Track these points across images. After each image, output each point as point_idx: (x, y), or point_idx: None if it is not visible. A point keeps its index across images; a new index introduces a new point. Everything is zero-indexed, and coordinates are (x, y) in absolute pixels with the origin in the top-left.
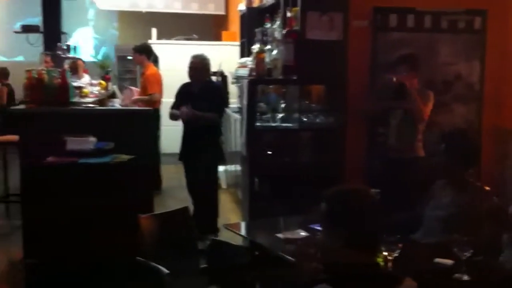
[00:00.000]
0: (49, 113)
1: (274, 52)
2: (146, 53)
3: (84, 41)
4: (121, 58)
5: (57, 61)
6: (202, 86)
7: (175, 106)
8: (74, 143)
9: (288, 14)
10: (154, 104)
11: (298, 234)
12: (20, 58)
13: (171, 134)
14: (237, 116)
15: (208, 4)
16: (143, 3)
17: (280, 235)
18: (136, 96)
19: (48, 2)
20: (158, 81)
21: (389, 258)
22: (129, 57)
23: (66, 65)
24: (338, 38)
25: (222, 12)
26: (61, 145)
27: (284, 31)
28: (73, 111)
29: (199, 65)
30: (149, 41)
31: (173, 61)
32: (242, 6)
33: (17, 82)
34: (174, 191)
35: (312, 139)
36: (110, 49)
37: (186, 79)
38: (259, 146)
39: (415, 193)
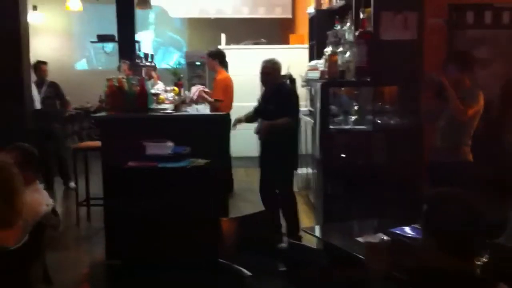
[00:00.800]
0: (129, 119)
1: (347, 54)
2: (219, 58)
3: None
4: (190, 64)
5: (135, 69)
6: (274, 90)
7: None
8: (153, 148)
9: (361, 15)
10: (217, 109)
11: (379, 238)
12: (83, 66)
13: (240, 138)
14: (308, 119)
15: (275, 8)
16: (212, 10)
17: (360, 239)
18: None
19: (122, 12)
20: (226, 86)
21: (479, 263)
22: (197, 63)
23: (153, 74)
24: (413, 38)
25: (289, 16)
26: (141, 150)
27: (356, 33)
28: (151, 117)
29: (270, 70)
30: (219, 47)
31: (242, 66)
32: (311, 9)
33: (95, 89)
34: (245, 194)
35: (386, 140)
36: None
37: (254, 83)
38: (332, 149)
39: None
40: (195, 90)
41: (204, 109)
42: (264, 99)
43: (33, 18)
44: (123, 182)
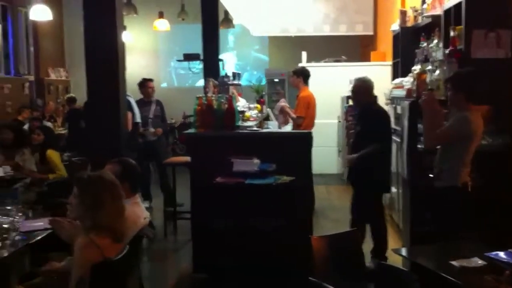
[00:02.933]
0: (217, 136)
1: (436, 72)
2: (303, 76)
3: (231, 66)
4: (270, 81)
5: (222, 87)
6: (364, 109)
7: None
8: (240, 164)
9: (451, 33)
10: (299, 126)
11: (475, 263)
12: (168, 83)
13: (320, 155)
14: (393, 137)
15: (356, 25)
16: (293, 28)
17: (454, 263)
18: (287, 108)
19: (207, 31)
20: (309, 104)
21: None
22: (276, 80)
23: (235, 92)
24: (506, 56)
25: (370, 33)
26: (228, 166)
27: (446, 51)
28: (239, 134)
29: (359, 88)
30: (300, 64)
31: (323, 83)
32: (395, 26)
33: (179, 106)
34: (327, 211)
35: (476, 160)
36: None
37: (335, 101)
38: (420, 169)
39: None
40: (280, 105)
41: (285, 126)
42: (356, 119)
43: (123, 38)
44: (210, 197)
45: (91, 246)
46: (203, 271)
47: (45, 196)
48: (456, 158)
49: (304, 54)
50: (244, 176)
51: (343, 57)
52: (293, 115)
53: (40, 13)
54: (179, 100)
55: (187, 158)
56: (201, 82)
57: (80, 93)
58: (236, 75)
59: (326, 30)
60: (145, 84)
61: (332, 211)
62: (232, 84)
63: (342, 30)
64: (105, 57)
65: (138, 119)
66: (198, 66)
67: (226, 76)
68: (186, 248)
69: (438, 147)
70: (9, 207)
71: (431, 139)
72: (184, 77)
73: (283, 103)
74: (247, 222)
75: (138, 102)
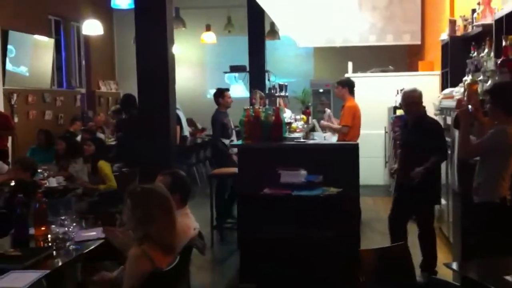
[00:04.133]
0: (265, 148)
1: (489, 82)
2: (349, 87)
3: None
4: (315, 92)
5: (269, 98)
6: (416, 121)
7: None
8: (287, 176)
9: (504, 43)
10: (345, 136)
11: None
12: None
13: (366, 166)
14: None
15: (404, 35)
16: (339, 39)
17: (508, 278)
18: (330, 123)
19: (254, 43)
20: (354, 114)
21: None
22: (321, 90)
23: (281, 103)
24: None
25: (418, 42)
26: (275, 177)
27: (498, 61)
28: (286, 145)
29: (407, 100)
30: (345, 75)
31: (370, 94)
32: (444, 35)
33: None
34: (373, 223)
35: None
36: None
37: (382, 111)
38: (471, 181)
39: None
40: (327, 117)
41: (330, 136)
42: (407, 130)
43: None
44: (257, 208)
45: (143, 257)
46: (251, 281)
47: (97, 206)
48: (493, 172)
49: (350, 65)
50: (291, 188)
51: (390, 67)
52: (335, 127)
53: (92, 28)
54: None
55: (234, 170)
56: (246, 94)
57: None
58: (283, 87)
59: (372, 40)
60: (224, 94)
61: (379, 223)
62: (279, 96)
63: (389, 40)
64: (156, 70)
65: (186, 132)
66: (244, 77)
67: (273, 87)
68: (233, 257)
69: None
70: (63, 217)
71: (466, 151)
72: (230, 88)
73: (330, 118)
74: (294, 233)
75: (222, 114)
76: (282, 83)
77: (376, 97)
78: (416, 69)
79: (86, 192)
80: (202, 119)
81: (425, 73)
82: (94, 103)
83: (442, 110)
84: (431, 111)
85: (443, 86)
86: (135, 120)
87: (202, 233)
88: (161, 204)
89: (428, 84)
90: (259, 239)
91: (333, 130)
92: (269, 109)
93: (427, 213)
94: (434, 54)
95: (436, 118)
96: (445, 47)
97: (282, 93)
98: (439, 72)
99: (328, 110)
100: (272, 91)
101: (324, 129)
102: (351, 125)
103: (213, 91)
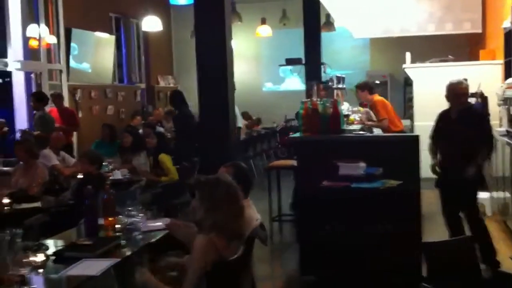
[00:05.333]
0: (323, 140)
1: None
2: (368, 88)
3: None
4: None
5: (327, 91)
6: (461, 112)
7: (435, 135)
8: (346, 168)
9: None
10: (387, 128)
11: None
12: (270, 88)
13: (425, 159)
14: (505, 139)
15: (464, 23)
16: (396, 29)
17: None
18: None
19: (309, 36)
20: (385, 105)
21: None
22: (377, 82)
23: (338, 95)
24: None
25: (479, 30)
26: (334, 170)
27: None
28: (345, 138)
29: (454, 91)
30: (403, 66)
31: (429, 85)
32: (506, 23)
33: (280, 110)
34: (434, 217)
35: None
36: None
37: (441, 102)
38: None
39: None
40: (365, 115)
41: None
42: (451, 120)
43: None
44: (316, 200)
45: (210, 246)
46: (310, 274)
47: (159, 198)
48: None
49: (408, 55)
50: (350, 180)
51: (449, 56)
52: (372, 123)
53: (151, 24)
54: (280, 104)
55: (291, 162)
56: (301, 86)
57: (188, 99)
58: (340, 79)
59: (431, 30)
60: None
61: (440, 217)
62: (337, 88)
63: (448, 29)
64: (215, 64)
65: (240, 123)
66: (299, 70)
67: (331, 80)
68: (291, 249)
69: None
70: (130, 208)
71: None
72: (285, 81)
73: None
74: (353, 226)
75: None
76: (339, 75)
77: (435, 87)
78: (477, 58)
79: (149, 184)
80: (257, 112)
81: (486, 62)
82: (154, 97)
83: (505, 100)
84: (494, 101)
85: (506, 75)
86: (189, 116)
87: (263, 224)
88: (228, 193)
89: (490, 74)
90: (318, 232)
91: (377, 126)
92: (327, 101)
93: (472, 202)
94: (496, 42)
95: (499, 108)
96: (508, 34)
97: (340, 85)
98: (501, 61)
99: (365, 109)
100: (330, 83)
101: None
102: (387, 116)
103: (269, 84)
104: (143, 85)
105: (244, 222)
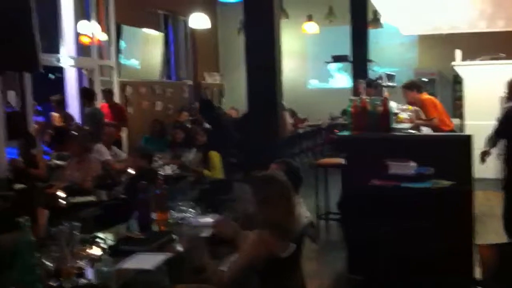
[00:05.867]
0: (372, 139)
1: None
2: (416, 88)
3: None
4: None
5: (375, 88)
6: None
7: (501, 132)
8: (396, 167)
9: None
10: (437, 127)
11: None
12: (315, 85)
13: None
14: None
15: None
16: (445, 26)
17: None
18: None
19: (356, 32)
20: (434, 104)
21: None
22: (425, 79)
23: (386, 93)
24: None
25: None
26: (383, 169)
27: None
28: (394, 136)
29: None
30: (452, 63)
31: (480, 83)
32: None
33: (325, 107)
34: (486, 219)
35: None
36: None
37: (493, 101)
38: None
39: None
40: (414, 111)
41: (429, 131)
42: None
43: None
44: (364, 199)
45: (261, 242)
46: (359, 273)
47: (207, 194)
48: None
49: (458, 53)
50: (400, 179)
51: (500, 54)
52: (421, 122)
53: (199, 21)
54: (326, 102)
55: (339, 160)
56: (347, 83)
57: (233, 96)
58: (390, 77)
59: (482, 26)
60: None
61: (492, 219)
62: (387, 86)
63: (501, 26)
64: (264, 62)
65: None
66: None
67: (380, 77)
68: (338, 248)
69: None
70: (180, 203)
71: None
72: (332, 78)
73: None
74: (403, 226)
75: None
76: (389, 73)
77: (486, 86)
78: None
79: (197, 180)
80: (303, 109)
81: None
82: (200, 94)
83: None
84: None
85: None
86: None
87: (313, 222)
88: (281, 190)
89: None
90: (366, 231)
91: (426, 126)
92: (377, 99)
93: None
94: None
95: None
96: None
97: (390, 83)
98: None
99: (414, 107)
100: (379, 81)
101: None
102: (436, 115)
103: (314, 81)
104: (190, 82)
105: (295, 220)
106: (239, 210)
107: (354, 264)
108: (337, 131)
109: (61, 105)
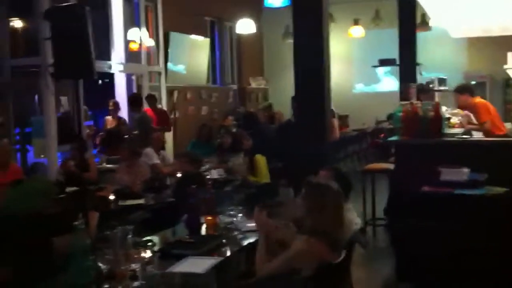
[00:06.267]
0: (424, 144)
1: None
2: (468, 91)
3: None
4: None
5: (425, 93)
6: None
7: None
8: (448, 173)
9: None
10: (489, 131)
11: None
12: (361, 89)
13: None
14: None
15: None
16: (496, 28)
17: None
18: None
19: (404, 36)
20: (487, 107)
21: None
22: (473, 82)
23: (437, 98)
24: None
25: None
26: (435, 175)
27: None
28: (447, 142)
29: None
30: (504, 66)
31: None
32: None
33: (371, 111)
34: None
35: None
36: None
37: None
38: None
39: None
40: (465, 115)
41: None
42: None
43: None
44: (415, 205)
45: (309, 250)
46: (408, 280)
47: (253, 198)
48: None
49: (510, 55)
50: (453, 186)
51: None
52: (473, 126)
53: (245, 27)
54: (371, 106)
55: (386, 165)
56: (393, 87)
57: (277, 100)
58: (441, 81)
59: None
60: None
61: None
62: (438, 90)
63: None
64: (313, 66)
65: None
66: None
67: (432, 81)
68: (386, 255)
69: None
70: (230, 207)
71: None
72: (379, 82)
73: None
74: (455, 234)
75: None
76: (441, 77)
77: None
78: None
79: (243, 184)
80: (348, 113)
81: None
82: (245, 99)
83: None
84: None
85: None
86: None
87: (364, 229)
88: (335, 199)
89: None
90: (416, 238)
91: (478, 130)
92: (428, 104)
93: None
94: None
95: None
96: None
97: (442, 87)
98: None
99: (465, 111)
100: (431, 85)
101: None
102: (489, 119)
103: (359, 85)
104: (235, 86)
105: (344, 229)
106: (285, 215)
107: (403, 272)
108: (383, 135)
109: (117, 109)
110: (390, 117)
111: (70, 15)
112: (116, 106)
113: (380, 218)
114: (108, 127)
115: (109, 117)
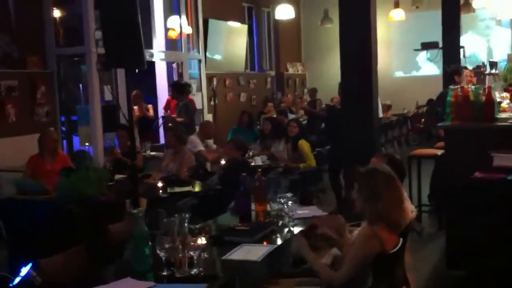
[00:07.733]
0: (476, 129)
1: None
2: None
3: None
4: None
5: (478, 76)
6: None
7: None
8: (502, 159)
9: None
10: None
11: None
12: (401, 73)
13: None
14: None
15: None
16: None
17: None
18: None
19: (447, 18)
20: None
21: None
22: None
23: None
24: None
25: None
26: (487, 161)
27: None
28: (500, 126)
29: None
30: None
31: None
32: None
33: (412, 95)
34: None
35: None
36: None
37: None
38: None
39: None
40: None
41: None
42: None
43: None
44: (467, 191)
45: (373, 237)
46: (458, 268)
47: (297, 184)
48: None
49: None
50: (506, 172)
51: None
52: None
53: (284, 12)
54: (412, 90)
55: (433, 151)
56: (435, 71)
57: (315, 85)
58: (493, 64)
59: None
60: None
61: None
62: (490, 74)
63: None
64: (359, 53)
65: (381, 113)
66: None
67: (483, 65)
68: (432, 241)
69: None
70: (280, 194)
71: None
72: (419, 66)
73: None
74: (508, 221)
75: None
76: (492, 60)
77: None
78: None
79: (287, 170)
80: (388, 98)
81: None
82: (283, 84)
83: None
84: None
85: None
86: None
87: (419, 216)
88: (387, 182)
89: None
90: (468, 225)
91: None
92: (479, 88)
93: None
94: None
95: None
96: None
97: (493, 71)
98: None
99: None
100: (482, 69)
101: None
102: None
103: (400, 69)
104: (273, 73)
105: (404, 211)
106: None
107: (453, 259)
108: (423, 120)
109: (140, 98)
110: (429, 102)
111: (120, 3)
112: (138, 96)
113: (425, 204)
114: (137, 114)
115: (135, 106)
